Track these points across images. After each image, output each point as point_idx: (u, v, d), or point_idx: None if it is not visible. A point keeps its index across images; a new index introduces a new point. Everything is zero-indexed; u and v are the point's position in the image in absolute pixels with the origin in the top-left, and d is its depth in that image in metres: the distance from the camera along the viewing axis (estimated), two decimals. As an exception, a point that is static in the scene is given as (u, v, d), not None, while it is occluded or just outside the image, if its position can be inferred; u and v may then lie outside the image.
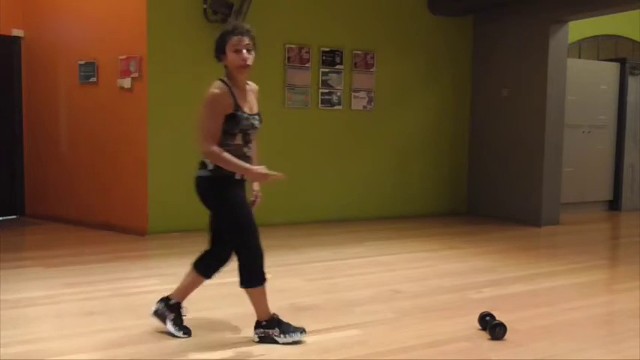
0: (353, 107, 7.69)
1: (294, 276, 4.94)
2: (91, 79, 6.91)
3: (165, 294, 4.46)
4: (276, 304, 4.11)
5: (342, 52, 7.55)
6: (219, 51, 3.38)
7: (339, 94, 7.57)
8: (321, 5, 7.43)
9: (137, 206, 6.59)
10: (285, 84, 7.22)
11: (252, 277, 3.34)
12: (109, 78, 6.72)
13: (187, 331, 3.46)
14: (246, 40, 3.32)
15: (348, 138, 7.71)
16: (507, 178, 8.13)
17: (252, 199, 3.53)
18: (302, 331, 3.41)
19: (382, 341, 3.46)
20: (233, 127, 3.27)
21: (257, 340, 3.39)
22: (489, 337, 3.50)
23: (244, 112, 3.31)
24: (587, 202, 9.05)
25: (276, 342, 3.35)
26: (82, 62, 6.96)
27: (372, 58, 7.77)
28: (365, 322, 3.75)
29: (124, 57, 6.55)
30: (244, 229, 3.33)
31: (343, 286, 4.68)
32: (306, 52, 7.31)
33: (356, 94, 7.69)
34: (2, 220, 7.35)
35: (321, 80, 7.44)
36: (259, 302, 3.40)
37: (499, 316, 3.62)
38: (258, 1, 6.67)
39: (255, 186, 3.52)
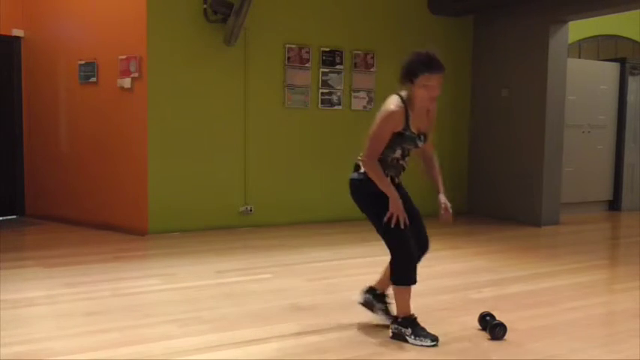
0: (353, 107, 7.69)
1: (294, 276, 4.94)
2: (91, 79, 6.91)
3: (166, 294, 4.48)
4: (277, 304, 4.13)
5: (342, 52, 7.55)
6: (408, 77, 3.35)
7: (339, 94, 7.57)
8: (321, 5, 7.43)
9: (137, 206, 6.59)
10: (285, 84, 7.22)
11: (401, 277, 3.45)
12: (109, 78, 6.72)
13: (434, 338, 3.42)
14: (440, 78, 3.36)
15: (348, 138, 7.70)
16: (507, 178, 8.13)
17: (441, 211, 3.59)
18: (434, 338, 3.40)
19: (382, 341, 3.46)
20: (396, 144, 3.41)
21: (390, 335, 3.48)
22: (489, 337, 3.50)
23: (412, 133, 3.42)
24: (587, 202, 9.05)
25: (406, 341, 3.41)
26: (82, 62, 6.96)
27: (372, 58, 7.77)
28: (365, 322, 3.75)
29: (124, 57, 6.55)
30: (397, 231, 3.41)
31: (343, 286, 4.67)
32: (306, 52, 7.31)
33: (356, 94, 7.69)
34: (2, 220, 7.35)
35: (321, 80, 7.44)
36: (400, 299, 3.48)
37: (499, 316, 3.62)
38: (258, 1, 6.67)
39: (442, 198, 3.59)
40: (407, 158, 3.52)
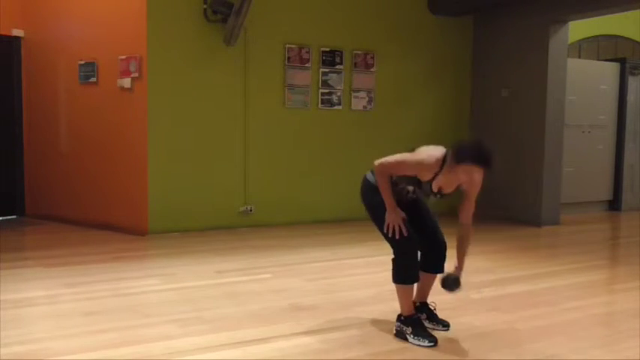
0: (353, 107, 7.69)
1: (294, 276, 4.94)
2: (91, 79, 6.91)
3: (166, 294, 4.47)
4: (276, 304, 4.13)
5: (342, 52, 7.55)
6: (455, 158, 3.30)
7: (339, 94, 7.57)
8: (321, 5, 7.43)
9: (137, 206, 6.59)
10: (285, 84, 7.22)
11: (401, 276, 3.46)
12: (109, 78, 6.72)
13: (432, 339, 3.40)
14: (482, 172, 3.39)
15: (348, 138, 7.71)
16: (507, 178, 8.13)
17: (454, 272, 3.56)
18: (432, 339, 3.39)
19: (382, 341, 3.46)
20: (413, 184, 3.45)
21: (394, 332, 3.51)
22: (442, 287, 3.51)
23: (430, 188, 3.42)
24: (587, 202, 9.05)
25: (407, 340, 3.43)
26: (82, 62, 6.96)
27: (372, 58, 7.77)
28: (365, 322, 3.75)
29: (124, 57, 6.55)
30: (398, 236, 3.41)
31: (343, 286, 4.68)
32: (306, 52, 7.31)
33: (356, 94, 7.69)
34: (2, 220, 7.35)
35: (321, 80, 7.44)
36: (402, 298, 3.50)
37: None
38: (258, 1, 6.66)
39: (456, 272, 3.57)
40: (416, 195, 3.53)
